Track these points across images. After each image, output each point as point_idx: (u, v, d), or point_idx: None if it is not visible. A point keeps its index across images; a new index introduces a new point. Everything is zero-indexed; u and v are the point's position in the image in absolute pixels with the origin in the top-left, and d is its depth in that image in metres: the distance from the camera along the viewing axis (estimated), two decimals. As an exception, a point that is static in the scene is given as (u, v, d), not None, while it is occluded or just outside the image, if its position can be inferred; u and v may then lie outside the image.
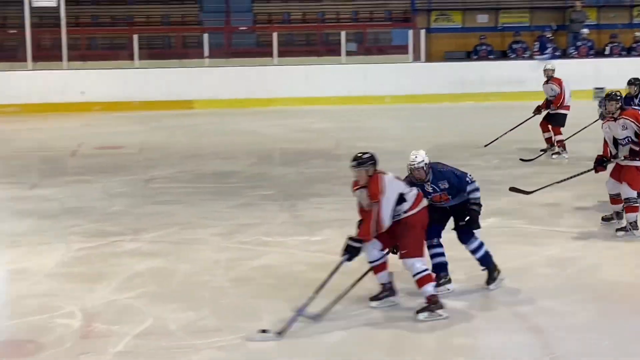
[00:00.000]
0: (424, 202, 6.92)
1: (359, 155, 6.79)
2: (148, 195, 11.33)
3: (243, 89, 21.17)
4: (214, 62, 22.31)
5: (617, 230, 9.11)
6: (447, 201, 7.20)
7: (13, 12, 22.21)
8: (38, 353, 6.16)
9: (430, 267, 6.99)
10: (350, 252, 6.71)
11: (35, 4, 21.31)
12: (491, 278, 7.35)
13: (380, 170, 6.77)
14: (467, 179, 7.14)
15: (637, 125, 8.86)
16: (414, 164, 7.02)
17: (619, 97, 9.15)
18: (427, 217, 6.91)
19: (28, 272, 8.05)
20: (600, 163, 9.17)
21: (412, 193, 6.83)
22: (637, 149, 8.90)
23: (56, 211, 10.44)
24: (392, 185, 6.71)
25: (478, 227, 7.25)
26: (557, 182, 9.85)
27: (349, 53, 22.34)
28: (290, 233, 9.35)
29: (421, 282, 6.73)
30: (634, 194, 8.98)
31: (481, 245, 7.31)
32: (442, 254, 7.30)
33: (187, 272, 8.07)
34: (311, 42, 24.64)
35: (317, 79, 21.35)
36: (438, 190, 7.12)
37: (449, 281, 7.29)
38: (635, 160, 8.93)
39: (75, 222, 9.91)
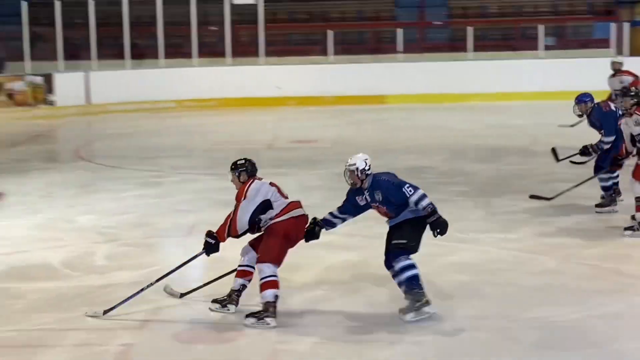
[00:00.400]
0: (296, 213, 6.82)
1: (236, 160, 6.94)
2: (342, 189, 11.34)
3: (436, 84, 21.05)
4: (408, 57, 22.32)
5: (625, 229, 8.80)
6: (391, 218, 6.76)
7: (214, 9, 22.96)
8: (236, 340, 6.30)
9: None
10: (206, 247, 6.80)
11: (235, 2, 21.96)
12: (411, 308, 6.52)
13: (257, 177, 6.87)
14: (405, 190, 6.56)
15: None
16: (346, 165, 6.77)
17: (633, 94, 9.01)
18: (296, 227, 6.82)
19: (226, 261, 8.21)
20: (615, 162, 9.11)
21: (281, 201, 6.80)
22: None
23: (254, 202, 10.67)
24: (259, 191, 6.76)
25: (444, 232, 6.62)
26: (575, 186, 9.87)
27: (547, 47, 21.81)
28: (485, 230, 9.20)
29: (263, 287, 6.62)
30: None
31: (411, 266, 6.57)
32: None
33: (382, 266, 8.02)
34: (508, 37, 24.23)
35: (513, 74, 20.96)
36: (374, 200, 6.74)
37: (427, 303, 6.56)
38: None
39: (273, 213, 10.07)
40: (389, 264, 6.73)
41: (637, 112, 8.83)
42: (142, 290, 6.81)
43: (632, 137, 8.91)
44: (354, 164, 6.71)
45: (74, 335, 6.45)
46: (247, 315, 6.58)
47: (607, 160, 9.78)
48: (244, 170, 6.87)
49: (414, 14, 25.16)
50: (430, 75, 21.22)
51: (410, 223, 6.65)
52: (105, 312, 6.65)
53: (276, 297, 6.59)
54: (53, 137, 18.61)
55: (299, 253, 8.41)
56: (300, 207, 6.92)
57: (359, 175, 6.70)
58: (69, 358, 6.10)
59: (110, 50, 22.90)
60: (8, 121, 19.56)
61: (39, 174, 13.05)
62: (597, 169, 9.90)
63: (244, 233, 6.83)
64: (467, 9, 25.02)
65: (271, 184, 6.88)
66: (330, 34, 22.22)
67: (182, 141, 16.47)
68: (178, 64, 22.34)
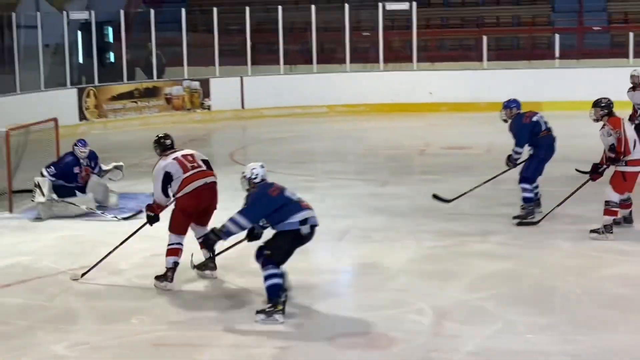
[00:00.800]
0: (189, 188, 7.45)
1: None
2: (496, 197, 11.19)
3: (595, 91, 20.22)
4: (565, 63, 21.76)
5: (591, 231, 8.97)
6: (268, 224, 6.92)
7: (367, 15, 23.02)
8: (390, 347, 6.28)
9: None
10: (147, 218, 7.73)
11: (389, 7, 21.95)
12: (265, 310, 6.70)
13: (168, 152, 7.64)
14: (244, 208, 6.83)
15: (614, 131, 8.86)
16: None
17: (603, 104, 9.15)
18: (190, 201, 7.46)
19: (380, 267, 8.24)
20: (595, 170, 9.21)
21: (178, 178, 7.46)
22: (613, 155, 8.90)
23: (406, 209, 10.61)
24: (163, 167, 7.53)
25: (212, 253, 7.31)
26: (560, 204, 9.68)
27: None
28: (650, 242, 8.87)
29: (166, 253, 7.52)
30: (615, 197, 8.95)
31: (274, 275, 6.74)
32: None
33: (537, 277, 7.90)
34: (670, 42, 23.33)
35: (676, 80, 20.12)
36: None
37: (280, 312, 6.69)
38: (618, 165, 8.91)
39: (425, 220, 10.01)
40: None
41: (608, 123, 8.97)
42: (109, 254, 7.91)
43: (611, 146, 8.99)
44: (243, 172, 7.00)
45: (230, 336, 6.56)
46: (156, 277, 7.49)
47: (530, 169, 9.97)
48: (157, 146, 7.77)
49: (572, 19, 24.53)
50: (588, 81, 20.53)
51: (283, 235, 6.83)
52: (83, 274, 7.79)
53: (175, 263, 7.46)
54: (209, 140, 19.04)
55: (454, 260, 8.37)
56: (199, 177, 7.52)
57: (247, 183, 6.97)
58: (226, 358, 6.21)
59: (265, 56, 23.25)
60: (166, 125, 20.11)
61: (196, 177, 13.33)
62: (522, 180, 9.95)
63: None
64: (628, 14, 24.19)
65: (175, 158, 7.54)
66: (484, 39, 21.90)
67: (335, 146, 16.55)
68: (330, 69, 22.47)
